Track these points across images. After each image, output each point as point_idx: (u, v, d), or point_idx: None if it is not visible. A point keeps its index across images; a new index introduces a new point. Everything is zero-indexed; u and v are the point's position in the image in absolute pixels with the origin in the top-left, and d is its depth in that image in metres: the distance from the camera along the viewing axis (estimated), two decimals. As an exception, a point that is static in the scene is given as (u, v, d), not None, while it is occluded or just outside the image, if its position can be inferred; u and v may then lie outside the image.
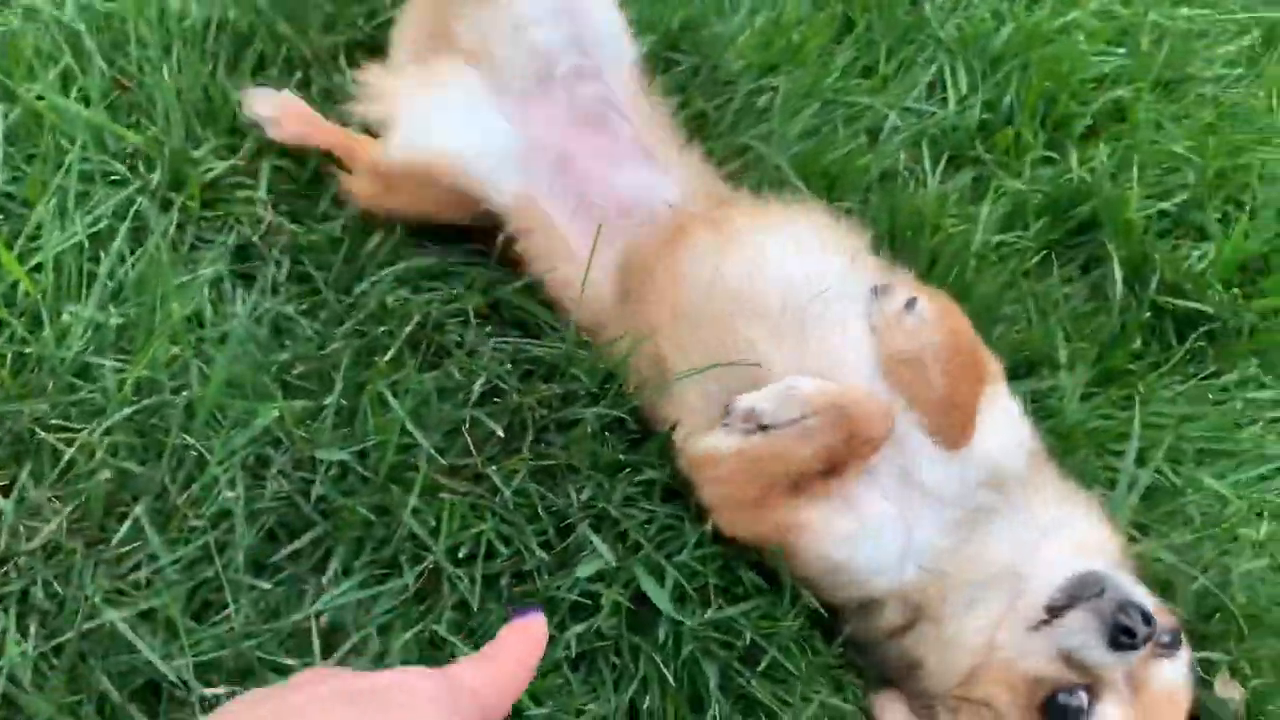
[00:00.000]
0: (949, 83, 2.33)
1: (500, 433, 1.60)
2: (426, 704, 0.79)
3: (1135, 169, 2.23)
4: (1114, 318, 2.04)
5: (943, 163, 2.20)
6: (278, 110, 1.85)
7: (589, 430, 1.62)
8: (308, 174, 1.86)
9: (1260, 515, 1.86)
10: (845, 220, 1.78)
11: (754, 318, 1.62)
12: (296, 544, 1.48)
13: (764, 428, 1.50)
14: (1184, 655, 1.50)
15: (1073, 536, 1.55)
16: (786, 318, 1.61)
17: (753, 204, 1.82)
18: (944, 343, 1.55)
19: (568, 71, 1.85)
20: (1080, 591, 1.43)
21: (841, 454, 1.48)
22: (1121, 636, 1.38)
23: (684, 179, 1.83)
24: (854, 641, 1.60)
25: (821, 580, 1.56)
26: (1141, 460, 1.89)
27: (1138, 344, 2.04)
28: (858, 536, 1.52)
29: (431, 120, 1.81)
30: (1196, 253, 2.19)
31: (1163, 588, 1.70)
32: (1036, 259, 2.09)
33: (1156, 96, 2.47)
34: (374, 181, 1.81)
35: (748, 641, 1.52)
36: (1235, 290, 2.12)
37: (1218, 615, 1.72)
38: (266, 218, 1.76)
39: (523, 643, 0.95)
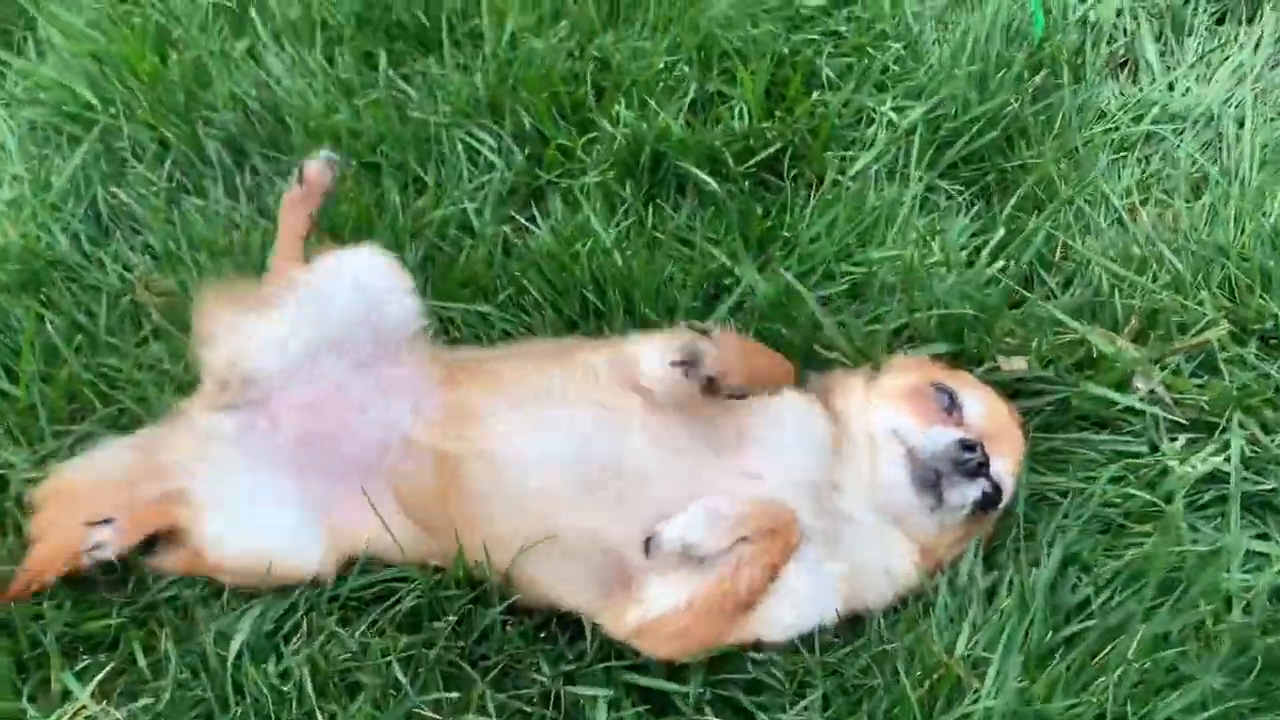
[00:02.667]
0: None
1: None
2: None
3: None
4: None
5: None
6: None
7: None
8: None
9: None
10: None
11: (573, 506, 1.77)
12: None
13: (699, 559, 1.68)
14: (961, 391, 1.92)
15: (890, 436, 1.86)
16: (600, 493, 1.76)
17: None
18: None
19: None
20: (930, 484, 1.81)
21: (781, 564, 1.70)
22: (980, 470, 1.80)
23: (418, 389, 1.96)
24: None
25: None
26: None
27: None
28: (799, 616, 1.79)
29: (243, 522, 1.92)
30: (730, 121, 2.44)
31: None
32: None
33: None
34: (194, 563, 1.93)
35: None
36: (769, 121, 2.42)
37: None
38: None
39: None
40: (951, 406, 1.89)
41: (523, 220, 2.39)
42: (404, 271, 2.05)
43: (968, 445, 1.80)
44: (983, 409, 1.90)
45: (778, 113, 2.45)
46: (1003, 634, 1.80)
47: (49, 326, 2.27)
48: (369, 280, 2.01)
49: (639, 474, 1.77)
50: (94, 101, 2.62)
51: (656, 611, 1.71)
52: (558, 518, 1.76)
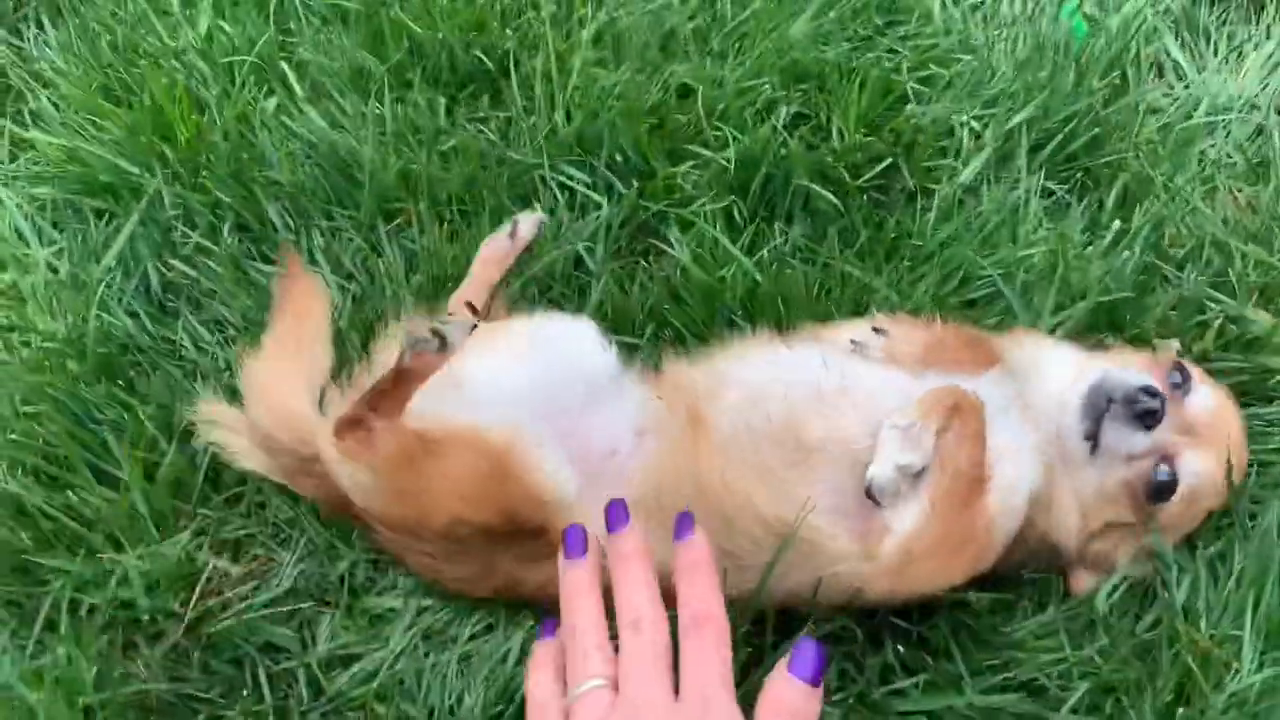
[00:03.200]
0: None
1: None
2: None
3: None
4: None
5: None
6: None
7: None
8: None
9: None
10: None
11: (814, 417, 1.74)
12: None
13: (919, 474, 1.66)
14: (1196, 380, 1.84)
15: (1062, 373, 1.84)
16: (834, 400, 1.76)
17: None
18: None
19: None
20: (1095, 411, 1.75)
21: (980, 427, 1.69)
22: (1147, 419, 1.73)
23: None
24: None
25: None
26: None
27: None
28: (1019, 469, 1.72)
29: (506, 390, 1.79)
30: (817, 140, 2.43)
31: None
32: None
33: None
34: (402, 441, 1.73)
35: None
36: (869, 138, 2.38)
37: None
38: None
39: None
40: (1181, 384, 1.82)
41: (657, 244, 2.31)
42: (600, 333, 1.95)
43: (1150, 391, 1.72)
44: (1210, 403, 1.83)
45: (863, 128, 2.44)
46: (1244, 609, 1.79)
47: (141, 417, 2.03)
48: (571, 345, 1.90)
49: (862, 380, 1.80)
50: (133, 171, 2.38)
51: (906, 527, 1.64)
52: (802, 429, 1.73)
